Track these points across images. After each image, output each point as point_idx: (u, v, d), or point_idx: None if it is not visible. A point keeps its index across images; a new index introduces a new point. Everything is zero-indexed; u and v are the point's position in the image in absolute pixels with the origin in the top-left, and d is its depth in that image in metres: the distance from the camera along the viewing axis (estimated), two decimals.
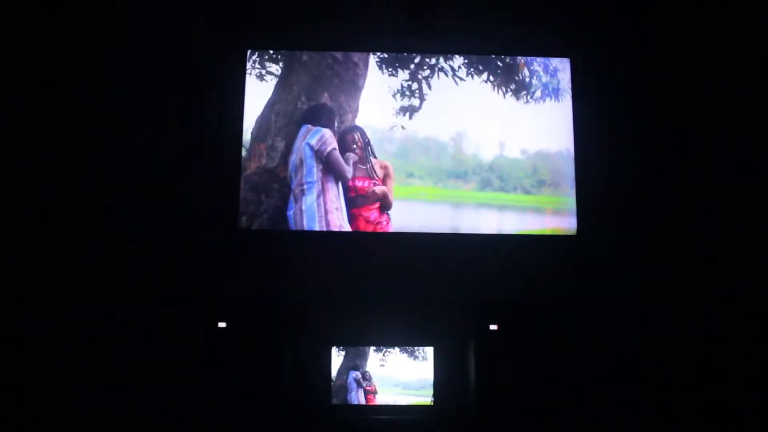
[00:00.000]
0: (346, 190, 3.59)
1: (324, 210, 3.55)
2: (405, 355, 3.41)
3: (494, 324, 3.34)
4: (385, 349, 3.40)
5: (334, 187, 3.58)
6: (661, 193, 3.57)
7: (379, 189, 3.60)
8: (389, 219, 3.59)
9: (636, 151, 3.66)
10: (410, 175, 3.64)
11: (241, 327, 3.28)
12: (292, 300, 3.41)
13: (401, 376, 3.39)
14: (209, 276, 3.44)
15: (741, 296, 3.15)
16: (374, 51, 3.71)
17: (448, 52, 3.73)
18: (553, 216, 3.65)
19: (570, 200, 3.67)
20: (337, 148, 3.59)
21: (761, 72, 3.18)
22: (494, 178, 3.65)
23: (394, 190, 3.62)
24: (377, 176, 3.61)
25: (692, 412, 3.11)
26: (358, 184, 3.59)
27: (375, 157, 3.63)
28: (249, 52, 3.65)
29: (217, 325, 3.28)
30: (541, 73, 3.78)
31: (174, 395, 3.22)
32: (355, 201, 3.58)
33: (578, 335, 3.42)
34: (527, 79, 3.78)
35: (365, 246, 3.54)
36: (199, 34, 3.64)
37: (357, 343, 3.41)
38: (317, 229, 3.51)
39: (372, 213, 3.58)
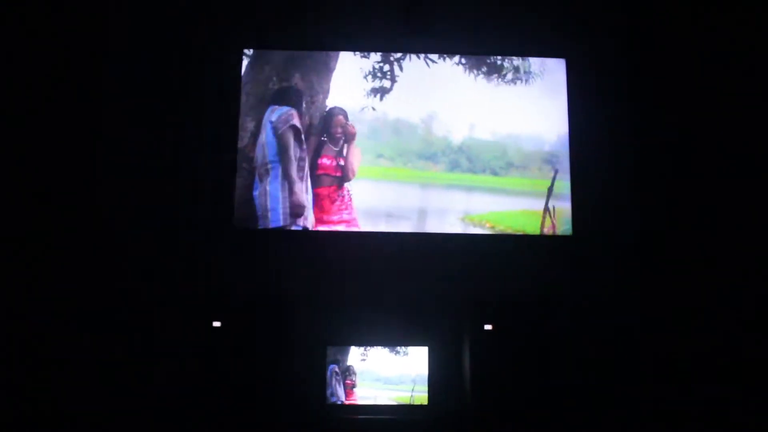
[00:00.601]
0: (313, 168, 3.61)
1: (288, 191, 3.57)
2: (386, 350, 3.44)
3: (489, 324, 3.37)
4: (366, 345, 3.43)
5: (297, 166, 3.60)
6: (658, 193, 3.56)
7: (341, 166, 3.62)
8: (351, 198, 3.60)
9: (632, 151, 3.67)
10: (380, 155, 3.67)
11: (236, 326, 3.32)
12: (287, 299, 3.43)
13: (382, 371, 3.43)
14: (204, 275, 3.45)
15: (740, 295, 3.12)
16: (371, 51, 3.73)
17: (444, 53, 3.75)
18: (522, 197, 3.67)
19: (538, 182, 3.68)
20: (297, 127, 3.59)
21: (759, 71, 3.15)
22: (463, 160, 3.67)
23: (359, 170, 3.63)
24: (346, 154, 3.63)
25: (692, 412, 3.10)
26: (325, 162, 3.61)
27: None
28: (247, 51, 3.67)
29: (212, 324, 3.32)
30: (513, 56, 3.79)
31: (169, 393, 3.25)
32: (320, 180, 3.60)
33: (573, 335, 3.43)
34: (498, 62, 3.79)
35: (361, 246, 3.54)
36: (196, 34, 3.67)
37: (352, 343, 3.44)
38: (280, 210, 3.54)
39: (336, 193, 3.61)
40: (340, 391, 3.41)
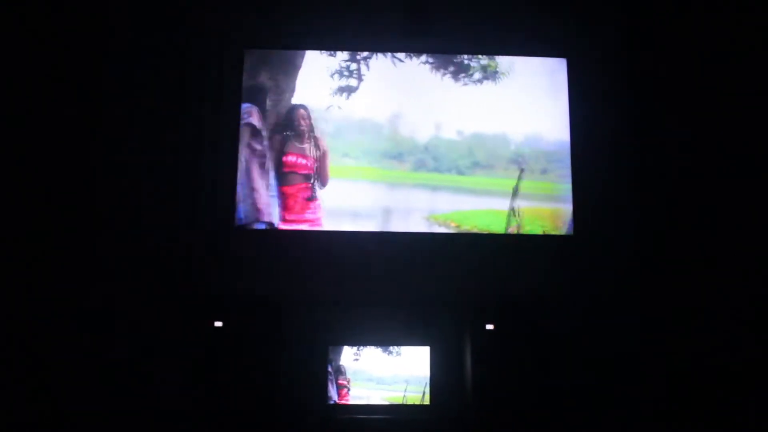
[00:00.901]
0: (280, 166, 3.60)
1: (249, 188, 3.57)
2: (379, 350, 3.44)
3: (490, 323, 3.37)
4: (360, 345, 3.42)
5: (258, 163, 3.59)
6: (659, 193, 3.55)
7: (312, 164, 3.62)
8: (318, 199, 3.60)
9: (632, 151, 3.67)
10: (345, 155, 3.66)
11: (237, 326, 3.32)
12: (288, 299, 3.42)
13: (375, 371, 3.43)
14: (206, 275, 3.44)
15: (740, 295, 3.10)
16: (373, 51, 3.73)
17: (446, 53, 3.74)
18: (487, 197, 3.67)
19: (504, 181, 3.68)
20: (252, 124, 3.58)
21: (759, 71, 3.12)
22: (429, 159, 3.67)
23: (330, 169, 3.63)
24: (315, 154, 3.63)
25: (691, 412, 3.10)
26: (291, 159, 3.61)
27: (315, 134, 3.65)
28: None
29: (213, 324, 3.31)
30: (480, 55, 3.79)
31: (171, 393, 3.25)
32: (287, 178, 3.60)
33: (574, 335, 3.43)
34: (466, 62, 3.79)
35: (362, 245, 3.54)
36: (197, 34, 3.66)
37: (353, 343, 3.43)
38: (241, 207, 3.53)
39: (304, 192, 3.60)
40: (333, 391, 3.41)
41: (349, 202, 3.61)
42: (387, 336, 3.46)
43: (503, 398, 3.27)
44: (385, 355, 3.43)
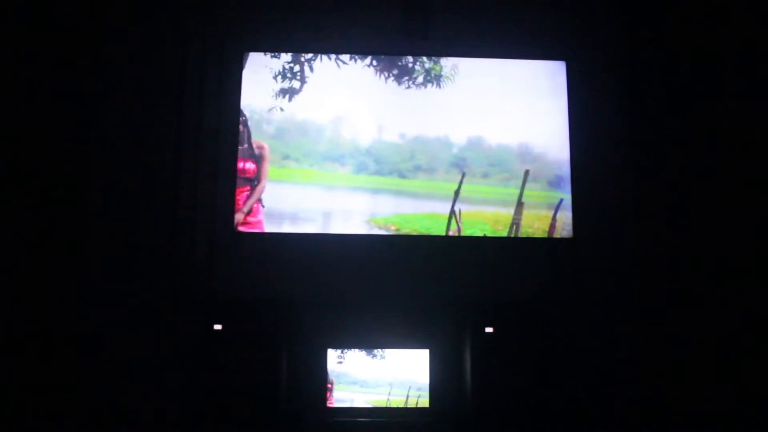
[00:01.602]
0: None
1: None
2: (363, 353, 3.44)
3: (490, 326, 3.37)
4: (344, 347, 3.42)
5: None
6: (657, 196, 3.56)
7: (251, 168, 3.62)
8: (260, 202, 3.60)
9: (632, 153, 3.69)
10: (286, 157, 3.66)
11: (237, 329, 3.30)
12: (287, 302, 3.41)
13: (359, 374, 3.42)
14: (205, 278, 3.43)
15: (740, 295, 3.10)
16: (371, 53, 3.72)
17: (444, 55, 3.75)
18: (428, 200, 3.69)
19: (445, 185, 3.70)
20: None
21: (760, 73, 3.11)
22: (370, 162, 3.68)
23: (269, 171, 3.63)
24: (253, 156, 3.63)
25: (692, 412, 3.12)
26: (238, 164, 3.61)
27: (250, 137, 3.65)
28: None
29: (213, 327, 3.29)
30: (424, 59, 3.80)
31: (171, 396, 3.24)
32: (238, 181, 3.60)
33: (574, 337, 3.45)
34: (410, 65, 3.79)
35: (361, 248, 3.54)
36: (196, 35, 3.64)
37: (352, 346, 3.42)
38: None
39: (243, 194, 3.60)
40: None
41: (290, 204, 3.62)
42: (386, 338, 3.46)
43: (503, 401, 3.28)
44: (369, 358, 3.43)
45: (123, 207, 3.43)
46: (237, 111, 3.61)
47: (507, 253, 3.60)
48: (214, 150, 3.57)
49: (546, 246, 3.65)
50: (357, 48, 3.74)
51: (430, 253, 3.57)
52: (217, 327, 3.29)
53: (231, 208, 3.53)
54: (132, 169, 3.47)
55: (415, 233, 3.65)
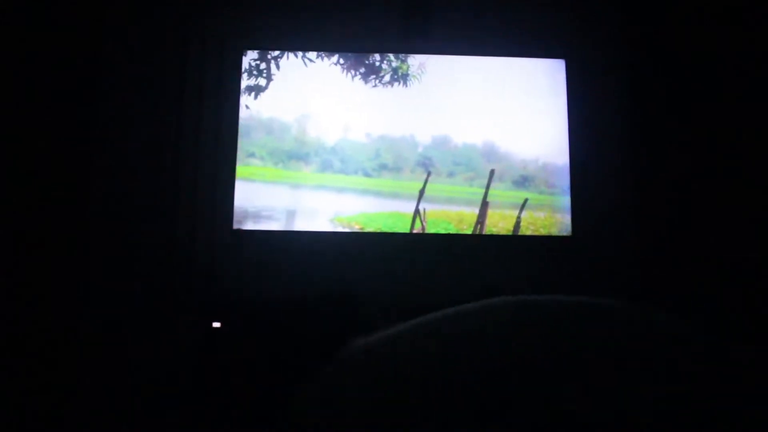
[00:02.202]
0: None
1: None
2: None
3: None
4: None
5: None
6: (657, 195, 3.56)
7: None
8: None
9: (632, 151, 3.68)
10: (251, 155, 3.65)
11: (236, 328, 3.28)
12: (288, 301, 3.37)
13: None
14: (204, 277, 3.41)
15: (740, 295, 3.07)
16: (370, 52, 3.71)
17: (442, 53, 3.73)
18: (392, 199, 3.69)
19: (410, 184, 3.71)
20: None
21: (761, 73, 3.08)
22: (336, 161, 3.68)
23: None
24: None
25: (691, 414, 3.08)
26: None
27: None
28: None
29: (211, 325, 3.26)
30: (391, 57, 3.80)
31: (170, 396, 3.22)
32: None
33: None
34: (377, 63, 3.79)
35: (362, 247, 3.54)
36: (196, 35, 3.60)
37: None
38: None
39: None
40: None
41: (253, 202, 3.61)
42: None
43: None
44: None
45: (123, 207, 3.41)
46: (237, 111, 3.59)
47: (505, 251, 3.61)
48: (214, 150, 3.56)
49: (545, 244, 3.66)
50: (357, 47, 3.73)
51: (432, 252, 3.56)
52: (216, 325, 3.28)
53: (231, 205, 3.52)
54: (132, 169, 3.46)
55: (379, 231, 3.65)
